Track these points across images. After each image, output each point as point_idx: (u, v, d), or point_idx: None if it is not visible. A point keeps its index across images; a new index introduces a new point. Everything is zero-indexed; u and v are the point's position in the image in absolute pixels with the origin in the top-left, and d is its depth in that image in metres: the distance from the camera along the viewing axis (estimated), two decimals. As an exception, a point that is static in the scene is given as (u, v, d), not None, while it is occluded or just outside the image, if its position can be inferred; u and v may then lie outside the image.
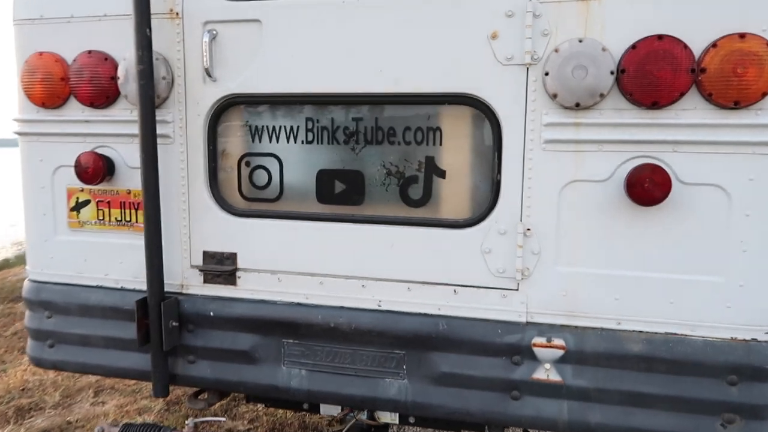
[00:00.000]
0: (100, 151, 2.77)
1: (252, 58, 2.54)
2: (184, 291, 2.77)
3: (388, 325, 2.52)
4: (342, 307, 2.58)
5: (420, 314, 2.50)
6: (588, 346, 2.33)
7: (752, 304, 2.20)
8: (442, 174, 2.48)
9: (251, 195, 2.71)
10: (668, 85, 2.11)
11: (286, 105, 2.60)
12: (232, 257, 2.70)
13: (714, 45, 2.07)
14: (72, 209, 2.87)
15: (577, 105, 2.20)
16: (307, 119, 2.59)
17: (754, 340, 2.21)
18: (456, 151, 2.46)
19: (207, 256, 2.73)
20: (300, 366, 2.63)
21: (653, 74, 2.11)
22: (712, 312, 2.23)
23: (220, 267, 2.70)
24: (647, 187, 2.13)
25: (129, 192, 2.79)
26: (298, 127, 2.61)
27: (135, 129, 2.68)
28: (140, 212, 2.79)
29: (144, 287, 2.74)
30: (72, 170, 2.79)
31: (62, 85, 2.74)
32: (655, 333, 2.28)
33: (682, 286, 2.24)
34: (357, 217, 2.56)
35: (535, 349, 2.38)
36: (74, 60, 2.71)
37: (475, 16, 2.28)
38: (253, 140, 2.67)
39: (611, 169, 2.24)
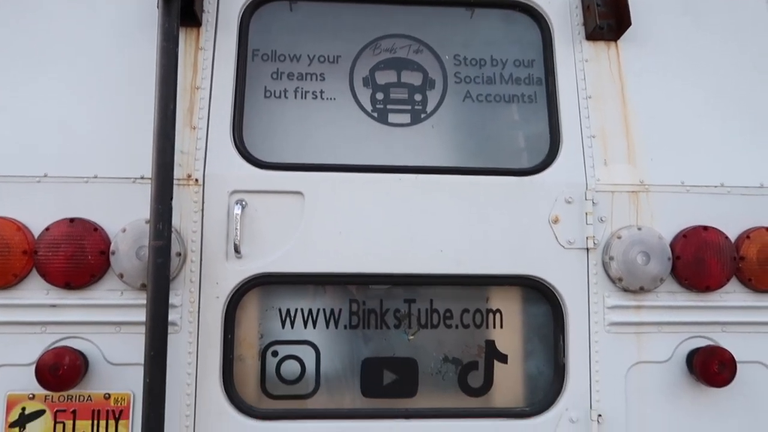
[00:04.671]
0: (71, 344, 2.12)
1: (290, 233, 2.23)
2: None
3: None
4: None
5: None
6: None
7: (802, 478, 2.32)
8: (503, 359, 2.32)
9: (278, 392, 2.26)
10: (718, 272, 2.29)
11: (328, 286, 2.29)
12: (254, 474, 2.16)
13: (748, 236, 2.32)
14: (12, 425, 2.10)
15: (641, 289, 2.27)
16: (352, 301, 2.30)
17: None
18: (518, 334, 2.34)
19: (218, 475, 2.15)
20: None
21: (706, 261, 2.28)
22: None
23: (237, 489, 2.14)
24: (718, 369, 2.21)
25: (107, 397, 2.14)
26: (340, 310, 2.29)
27: (123, 315, 2.17)
28: (121, 422, 2.14)
29: None
30: (21, 371, 2.09)
31: (23, 260, 2.12)
32: None
33: None
34: (411, 412, 2.25)
35: None
36: (47, 229, 2.14)
37: (537, 200, 2.30)
38: (283, 326, 2.27)
39: (671, 350, 2.30)
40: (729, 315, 2.32)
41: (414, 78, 2.47)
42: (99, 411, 2.14)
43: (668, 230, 2.32)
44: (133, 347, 2.12)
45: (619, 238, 2.28)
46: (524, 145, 2.46)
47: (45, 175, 2.19)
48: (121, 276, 2.14)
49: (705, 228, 2.31)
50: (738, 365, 2.26)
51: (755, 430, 2.30)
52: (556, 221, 2.30)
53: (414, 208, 2.26)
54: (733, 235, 2.33)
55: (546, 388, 2.30)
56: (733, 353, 2.25)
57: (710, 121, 2.45)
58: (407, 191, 2.27)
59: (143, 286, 2.12)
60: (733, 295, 2.33)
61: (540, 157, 2.37)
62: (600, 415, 2.24)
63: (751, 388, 2.31)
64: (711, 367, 2.21)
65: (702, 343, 2.30)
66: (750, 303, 2.33)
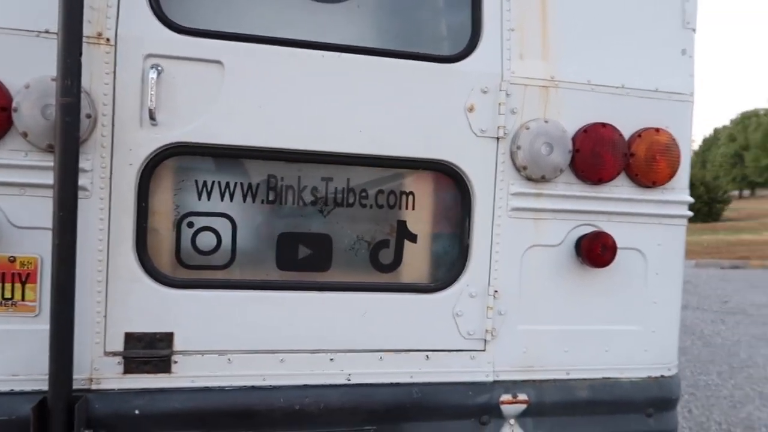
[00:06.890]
0: (-30, 204, 2.03)
1: (207, 103, 2.19)
2: (94, 387, 2.15)
3: (359, 399, 2.35)
4: (307, 386, 2.32)
5: (393, 384, 2.39)
6: (546, 398, 2.52)
7: (660, 347, 2.68)
8: (413, 238, 2.46)
9: (194, 262, 2.28)
10: (611, 166, 2.50)
11: (246, 159, 2.29)
12: (167, 338, 2.21)
13: (639, 135, 2.54)
14: None
15: (542, 178, 2.45)
16: (270, 176, 2.32)
17: (662, 376, 2.69)
18: (428, 215, 2.48)
19: (131, 338, 2.18)
20: (254, 461, 2.26)
21: (601, 156, 2.48)
22: (635, 356, 2.64)
23: (150, 351, 2.19)
24: (601, 251, 2.47)
25: (13, 260, 2.09)
26: (258, 184, 2.31)
27: (28, 177, 2.08)
28: (28, 286, 2.10)
29: (25, 387, 2.11)
30: None
31: None
32: (595, 378, 2.60)
33: (613, 335, 2.61)
34: (324, 285, 2.36)
35: (502, 407, 2.48)
36: (-65, 80, 1.98)
37: (455, 88, 2.38)
38: (199, 197, 2.27)
39: (563, 235, 2.53)
40: (615, 206, 2.56)
41: (342, -45, 2.42)
42: (4, 274, 2.08)
43: (572, 125, 2.49)
44: (41, 211, 2.06)
45: (527, 129, 2.42)
46: (446, 33, 2.51)
47: (-70, 21, 1.99)
48: (25, 135, 2.03)
49: (603, 125, 2.50)
50: (618, 251, 2.53)
51: (629, 305, 2.61)
52: (471, 110, 2.40)
53: (335, 86, 2.28)
54: (627, 133, 2.53)
55: (450, 266, 2.49)
56: (615, 239, 2.51)
57: (620, 23, 2.58)
58: (330, 69, 2.27)
59: (50, 147, 2.03)
60: (620, 188, 2.57)
61: (461, 46, 2.42)
62: (496, 291, 2.46)
63: (628, 271, 2.60)
64: (595, 249, 2.46)
65: (590, 230, 2.54)
66: (634, 196, 2.58)
